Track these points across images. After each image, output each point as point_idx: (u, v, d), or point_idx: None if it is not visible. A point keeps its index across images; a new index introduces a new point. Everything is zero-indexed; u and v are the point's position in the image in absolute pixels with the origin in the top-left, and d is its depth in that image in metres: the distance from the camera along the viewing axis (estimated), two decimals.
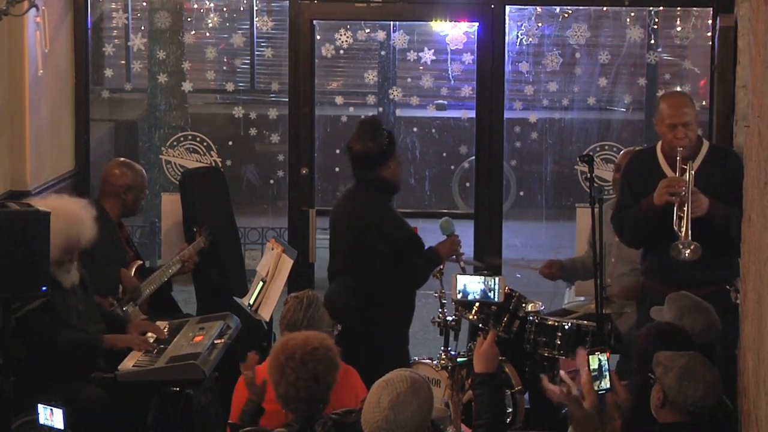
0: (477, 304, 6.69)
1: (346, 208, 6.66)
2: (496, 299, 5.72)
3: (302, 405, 4.52)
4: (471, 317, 6.79)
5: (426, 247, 6.65)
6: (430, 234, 6.94)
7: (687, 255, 5.87)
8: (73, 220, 6.01)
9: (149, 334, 6.30)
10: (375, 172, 6.50)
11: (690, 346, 4.83)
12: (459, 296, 5.82)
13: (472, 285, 5.76)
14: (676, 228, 5.90)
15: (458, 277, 5.85)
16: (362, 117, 7.01)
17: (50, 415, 5.18)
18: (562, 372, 4.89)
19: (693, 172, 6.03)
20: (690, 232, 5.85)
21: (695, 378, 4.56)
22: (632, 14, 8.45)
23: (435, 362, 6.68)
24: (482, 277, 5.72)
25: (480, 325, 6.75)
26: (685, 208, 5.88)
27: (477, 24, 7.87)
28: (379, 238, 6.45)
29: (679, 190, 5.93)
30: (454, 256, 6.71)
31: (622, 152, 7.33)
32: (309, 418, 4.51)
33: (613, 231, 6.52)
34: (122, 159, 7.34)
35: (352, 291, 6.53)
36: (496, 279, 5.66)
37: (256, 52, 9.62)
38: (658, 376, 4.63)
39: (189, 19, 8.83)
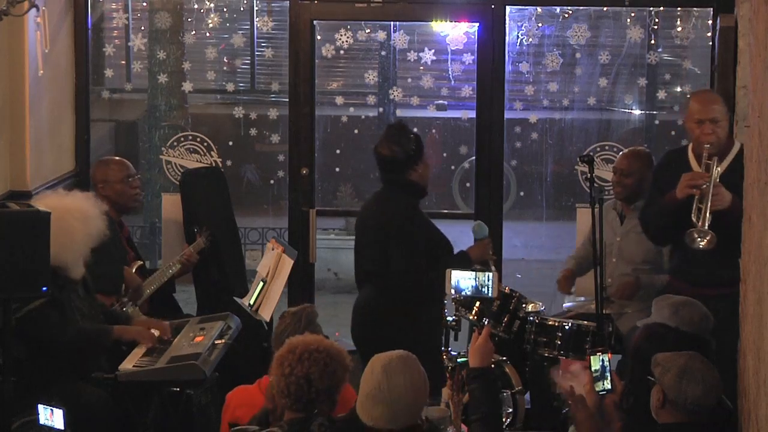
0: (477, 303, 6.68)
1: (374, 211, 6.54)
2: (490, 294, 5.70)
3: (290, 402, 4.53)
4: (471, 317, 6.79)
5: (456, 250, 6.55)
6: None
7: (702, 245, 5.85)
8: (91, 217, 6.08)
9: (154, 331, 6.31)
10: (402, 175, 6.39)
11: (683, 345, 4.83)
12: (453, 292, 5.81)
13: (464, 281, 5.75)
14: (694, 219, 5.89)
15: (452, 272, 5.84)
16: (389, 121, 6.95)
17: (50, 416, 5.18)
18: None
19: (719, 170, 6.03)
20: (708, 223, 5.85)
21: (695, 378, 4.56)
22: (632, 14, 8.45)
23: None
24: (474, 273, 5.70)
25: (476, 321, 6.73)
26: (706, 201, 5.88)
27: (477, 24, 7.87)
28: (408, 239, 6.36)
29: (700, 183, 5.93)
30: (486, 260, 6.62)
31: (621, 154, 7.33)
32: (301, 420, 4.51)
33: (611, 226, 6.53)
34: (103, 158, 7.34)
35: (383, 297, 6.41)
36: (489, 275, 5.65)
37: (256, 53, 9.62)
38: (657, 377, 4.62)
39: (189, 19, 8.82)
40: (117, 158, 7.27)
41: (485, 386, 4.60)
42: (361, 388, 4.32)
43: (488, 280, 5.62)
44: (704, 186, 5.92)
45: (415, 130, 6.71)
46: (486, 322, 6.65)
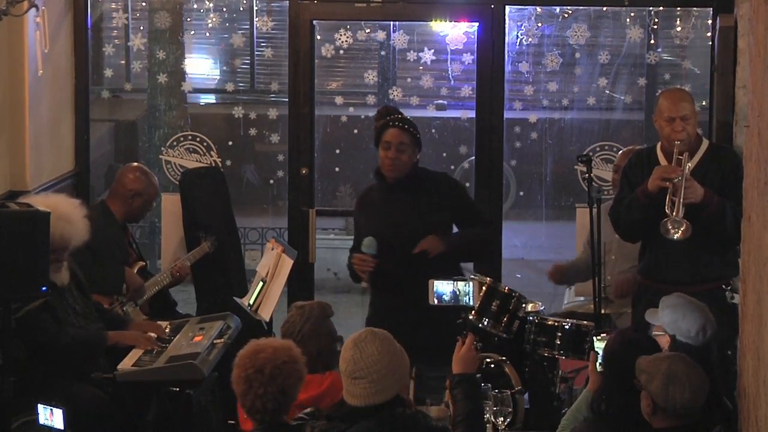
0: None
1: None
2: (470, 303, 5.69)
3: (267, 416, 4.55)
4: (471, 317, 6.77)
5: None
6: None
7: (677, 235, 5.83)
8: (60, 218, 5.98)
9: (149, 334, 6.31)
10: None
11: (658, 351, 4.85)
12: (436, 302, 5.81)
13: (442, 287, 5.76)
14: (668, 211, 5.89)
15: (434, 282, 5.83)
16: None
17: (50, 415, 5.18)
18: None
19: (690, 165, 6.04)
20: (682, 213, 5.84)
21: (680, 381, 4.53)
22: (632, 14, 8.46)
23: None
24: (453, 282, 5.69)
25: (462, 330, 6.70)
26: (679, 193, 5.89)
27: (477, 24, 7.88)
28: None
29: (672, 177, 5.94)
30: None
31: (620, 152, 7.33)
32: (271, 425, 4.54)
33: (611, 224, 6.53)
34: (141, 165, 7.31)
35: None
36: (470, 284, 5.65)
37: (256, 52, 9.62)
38: (643, 384, 4.60)
39: (189, 19, 8.83)
40: (153, 175, 7.27)
41: (467, 391, 4.70)
42: (341, 373, 4.37)
43: (468, 288, 5.61)
44: (676, 179, 5.93)
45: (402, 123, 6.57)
46: (470, 330, 6.62)
